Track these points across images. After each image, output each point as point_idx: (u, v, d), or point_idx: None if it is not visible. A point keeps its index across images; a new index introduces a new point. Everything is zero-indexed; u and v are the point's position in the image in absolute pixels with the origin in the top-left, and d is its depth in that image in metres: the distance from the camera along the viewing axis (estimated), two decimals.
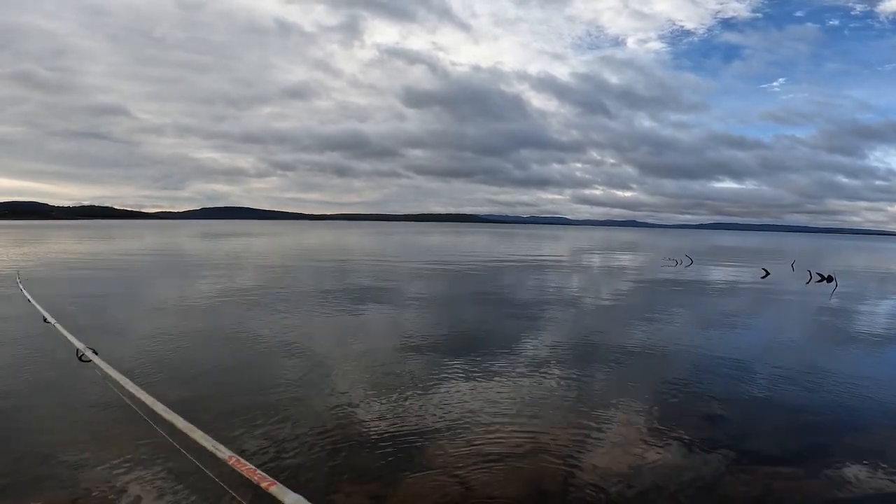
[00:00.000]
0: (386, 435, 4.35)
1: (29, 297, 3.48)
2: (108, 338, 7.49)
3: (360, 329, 8.68)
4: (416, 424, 4.59)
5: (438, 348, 7.37)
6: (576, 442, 4.30)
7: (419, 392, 5.45)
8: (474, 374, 6.09)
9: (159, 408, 1.28)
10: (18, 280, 4.20)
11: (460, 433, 4.42)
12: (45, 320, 3.14)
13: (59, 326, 2.78)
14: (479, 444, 4.19)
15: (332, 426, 4.52)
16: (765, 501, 3.50)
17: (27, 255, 23.69)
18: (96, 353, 2.78)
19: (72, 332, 3.01)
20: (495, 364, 6.55)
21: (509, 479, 3.65)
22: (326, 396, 5.27)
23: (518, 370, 6.32)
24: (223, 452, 1.14)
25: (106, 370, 1.91)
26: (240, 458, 1.09)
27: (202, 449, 1.07)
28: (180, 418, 1.31)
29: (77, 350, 2.92)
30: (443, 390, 5.52)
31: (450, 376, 6.01)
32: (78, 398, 3.40)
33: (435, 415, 4.82)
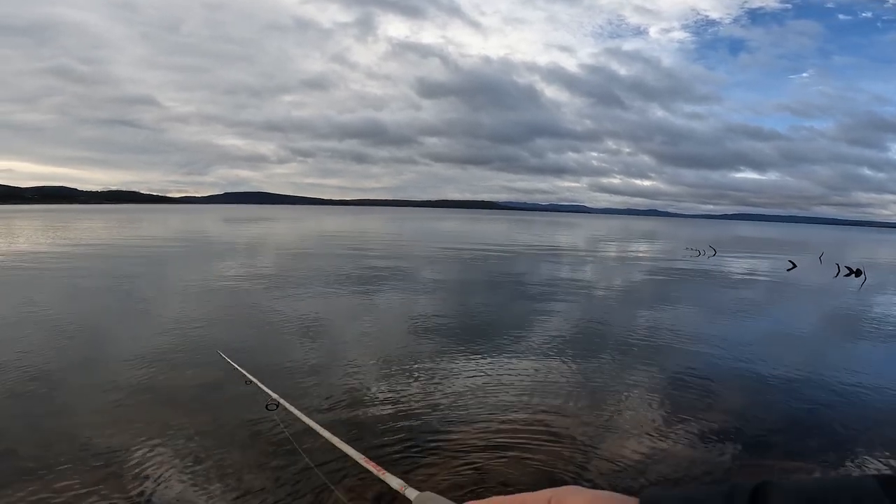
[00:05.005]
0: (398, 419, 4.42)
1: (231, 362, 3.77)
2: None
3: (383, 312, 8.76)
4: (429, 410, 4.65)
5: (454, 334, 7.42)
6: (589, 431, 4.31)
7: (432, 377, 5.51)
8: (488, 360, 6.12)
9: (345, 448, 1.31)
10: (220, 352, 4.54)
11: (473, 419, 4.46)
12: (247, 383, 3.40)
13: (257, 382, 2.99)
14: (492, 431, 4.23)
15: (343, 410, 4.60)
16: None
17: (72, 240, 24.42)
18: (276, 406, 2.94)
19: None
20: (510, 351, 6.58)
21: (522, 467, 3.68)
22: (339, 380, 5.36)
23: (533, 357, 6.33)
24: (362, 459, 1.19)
25: (296, 414, 2.05)
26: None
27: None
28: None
29: (268, 401, 3.10)
30: (456, 376, 5.57)
31: (464, 362, 6.05)
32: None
33: (448, 400, 4.88)
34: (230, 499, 3.21)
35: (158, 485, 3.32)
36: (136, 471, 3.46)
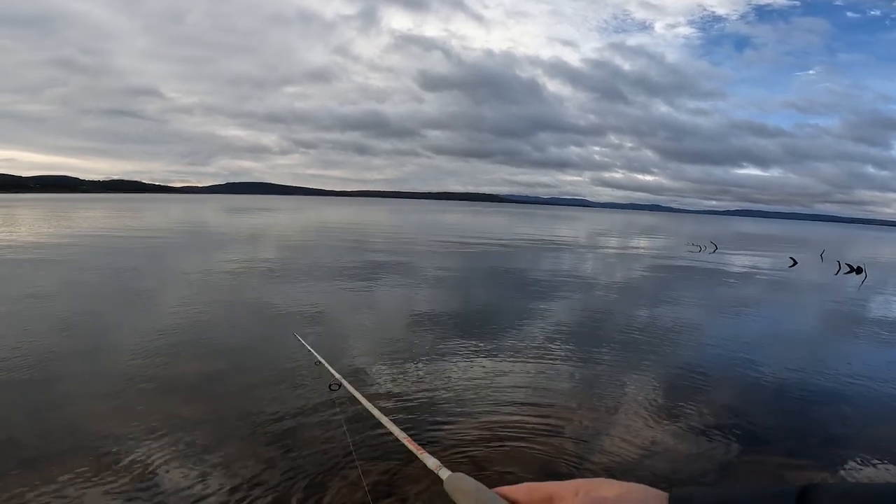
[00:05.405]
0: (396, 410, 4.46)
1: (305, 343, 3.99)
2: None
3: (379, 302, 8.79)
4: (427, 401, 4.68)
5: (453, 325, 7.44)
6: (588, 425, 4.34)
7: (431, 368, 5.53)
8: (488, 353, 6.14)
9: (396, 431, 1.43)
10: (296, 334, 4.76)
11: (472, 411, 4.49)
12: (316, 363, 3.62)
13: (326, 364, 3.20)
14: (491, 423, 4.26)
15: (362, 389, 4.63)
16: None
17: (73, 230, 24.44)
18: (339, 386, 3.09)
19: None
20: (509, 343, 6.60)
21: (521, 460, 3.71)
22: (338, 369, 5.39)
23: (531, 350, 6.35)
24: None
25: (356, 395, 2.19)
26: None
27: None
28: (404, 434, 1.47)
29: (330, 383, 3.23)
30: (455, 367, 5.59)
31: (463, 354, 6.07)
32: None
33: (446, 392, 4.91)
34: (292, 459, 3.56)
35: (234, 444, 3.50)
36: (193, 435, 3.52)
